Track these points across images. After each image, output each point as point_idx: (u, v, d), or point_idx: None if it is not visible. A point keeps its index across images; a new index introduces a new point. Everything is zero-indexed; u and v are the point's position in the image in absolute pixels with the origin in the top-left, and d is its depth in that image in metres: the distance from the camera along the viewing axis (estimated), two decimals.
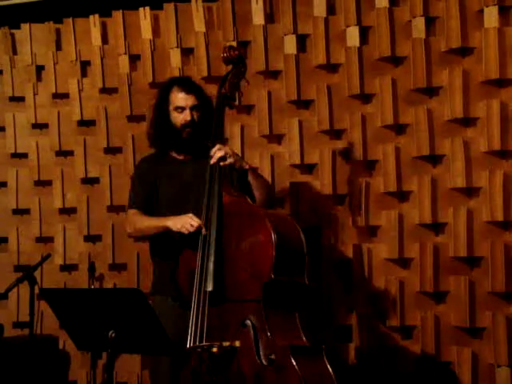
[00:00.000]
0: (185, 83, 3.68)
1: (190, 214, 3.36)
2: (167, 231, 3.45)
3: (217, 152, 3.39)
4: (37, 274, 4.47)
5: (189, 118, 3.59)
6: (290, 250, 3.23)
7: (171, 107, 3.64)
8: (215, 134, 3.47)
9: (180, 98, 3.62)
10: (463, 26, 4.18)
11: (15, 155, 5.00)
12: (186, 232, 3.32)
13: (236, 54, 3.53)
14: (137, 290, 3.16)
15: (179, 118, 3.61)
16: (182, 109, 3.61)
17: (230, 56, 3.53)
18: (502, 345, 4.04)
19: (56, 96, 4.96)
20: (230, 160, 3.40)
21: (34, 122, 4.98)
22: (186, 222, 3.34)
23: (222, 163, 3.39)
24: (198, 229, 3.31)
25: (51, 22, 4.98)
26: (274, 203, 3.77)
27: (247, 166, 3.52)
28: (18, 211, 4.99)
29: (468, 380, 4.15)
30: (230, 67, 3.56)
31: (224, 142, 3.55)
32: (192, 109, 3.61)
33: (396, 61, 4.41)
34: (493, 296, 4.11)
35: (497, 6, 4.09)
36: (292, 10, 4.55)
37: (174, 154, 3.69)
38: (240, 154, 3.79)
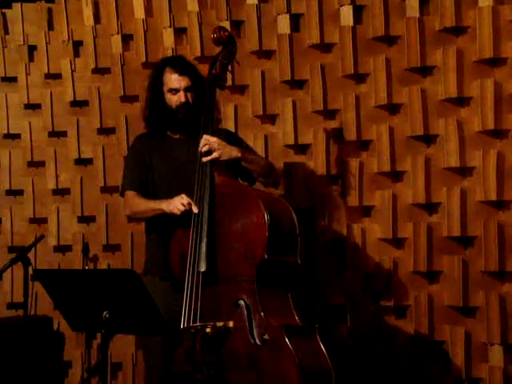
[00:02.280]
0: (178, 64, 3.67)
1: (182, 195, 3.36)
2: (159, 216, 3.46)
3: (202, 147, 3.40)
4: (30, 255, 4.47)
5: (183, 100, 3.59)
6: (282, 230, 3.24)
7: (165, 88, 3.63)
8: (205, 121, 3.47)
9: (174, 79, 3.61)
10: (457, 4, 4.16)
11: (8, 136, 4.97)
12: (178, 213, 3.33)
13: (226, 34, 3.53)
14: (130, 270, 3.17)
15: (174, 100, 3.61)
16: (176, 90, 3.61)
17: (220, 37, 3.54)
18: (495, 323, 4.06)
19: (48, 76, 4.93)
20: (214, 154, 3.40)
21: (26, 102, 4.94)
22: (177, 203, 3.34)
23: (204, 159, 3.39)
24: (189, 208, 3.31)
25: (43, 2, 4.93)
26: (277, 180, 3.79)
27: (239, 154, 3.49)
28: (11, 192, 4.97)
29: (461, 358, 4.17)
30: (220, 48, 3.55)
31: (215, 125, 3.55)
32: (186, 90, 3.61)
33: (390, 40, 4.39)
34: (486, 275, 4.12)
35: None
36: None
37: (169, 133, 3.69)
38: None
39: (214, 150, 3.41)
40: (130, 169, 3.71)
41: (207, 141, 3.42)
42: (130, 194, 3.64)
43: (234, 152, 3.49)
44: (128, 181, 3.68)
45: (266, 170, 3.64)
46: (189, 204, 3.32)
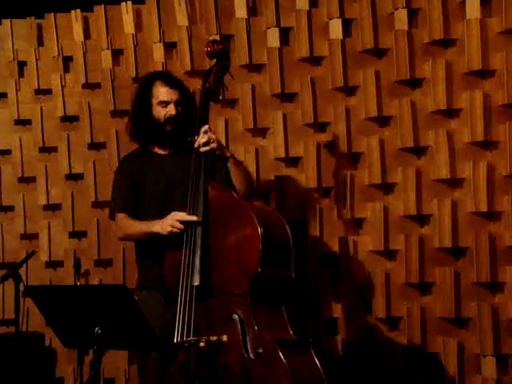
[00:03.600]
0: (168, 77, 3.68)
1: (173, 213, 3.36)
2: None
3: (201, 137, 3.40)
4: (22, 271, 4.45)
5: (174, 113, 3.59)
6: (276, 243, 3.24)
7: (154, 101, 3.63)
8: (199, 126, 3.47)
9: (164, 92, 3.61)
10: (445, 17, 4.19)
11: None
12: (178, 231, 3.32)
13: (220, 47, 3.52)
14: (122, 286, 3.17)
15: (163, 112, 3.61)
16: (167, 103, 3.61)
17: (214, 50, 3.52)
18: (488, 335, 4.07)
19: (39, 92, 4.93)
20: (212, 145, 3.41)
21: (16, 118, 4.93)
22: (173, 223, 3.33)
23: (202, 149, 3.39)
24: (188, 222, 3.29)
25: (33, 18, 4.93)
26: (252, 195, 3.73)
27: (228, 154, 3.52)
28: (1, 208, 4.95)
29: (454, 370, 4.18)
30: (213, 61, 3.55)
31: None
32: (176, 103, 3.61)
33: (379, 53, 4.41)
34: (478, 286, 4.13)
35: None
36: (274, 3, 4.54)
37: (157, 149, 3.68)
38: None
39: (212, 142, 3.42)
40: (118, 191, 3.68)
41: (206, 131, 3.42)
42: (120, 216, 3.61)
43: (226, 150, 3.54)
44: (117, 203, 3.66)
45: (247, 179, 3.62)
46: (184, 221, 3.30)
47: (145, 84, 3.70)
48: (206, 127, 3.44)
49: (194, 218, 3.30)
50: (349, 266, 4.41)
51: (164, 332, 3.21)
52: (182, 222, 3.32)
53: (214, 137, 3.44)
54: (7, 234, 4.93)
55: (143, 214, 3.59)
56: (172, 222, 3.34)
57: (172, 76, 3.73)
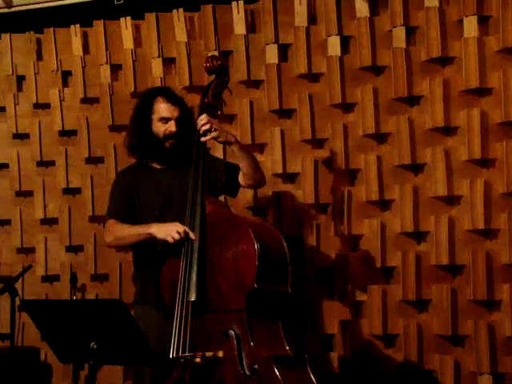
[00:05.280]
0: (169, 94, 3.68)
1: (176, 223, 3.34)
2: (149, 242, 3.43)
3: (203, 125, 3.40)
4: (18, 285, 4.45)
5: (174, 130, 3.58)
6: (273, 259, 3.23)
7: (155, 117, 3.62)
8: (197, 149, 3.45)
9: (165, 108, 3.61)
10: (443, 35, 4.21)
11: None
12: (172, 241, 3.30)
13: (219, 63, 3.53)
14: (118, 300, 3.15)
15: (163, 129, 3.60)
16: (167, 119, 3.60)
17: (213, 66, 3.52)
18: (484, 353, 4.06)
19: (37, 106, 4.94)
20: (213, 134, 3.41)
21: (14, 132, 4.94)
22: (171, 230, 3.31)
23: (203, 138, 3.40)
24: (184, 237, 3.29)
25: (32, 32, 4.95)
26: (261, 182, 3.67)
27: (233, 139, 3.48)
28: None
29: None
30: (212, 77, 3.56)
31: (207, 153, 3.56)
32: (176, 120, 3.61)
33: (377, 70, 4.43)
34: (475, 304, 4.13)
35: (476, 16, 4.13)
36: (273, 20, 4.56)
37: (154, 164, 3.68)
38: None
39: (214, 130, 3.41)
40: (112, 200, 3.66)
41: (207, 120, 3.41)
42: (112, 221, 3.59)
43: (230, 136, 3.49)
44: (110, 210, 3.64)
45: (256, 163, 3.60)
46: (184, 232, 3.29)
47: (146, 99, 3.70)
48: (203, 116, 3.43)
49: (193, 236, 3.29)
50: (346, 282, 4.40)
51: (160, 347, 3.20)
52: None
53: (214, 125, 3.41)
54: (4, 248, 4.92)
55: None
56: (172, 229, 3.31)
57: (173, 93, 3.73)
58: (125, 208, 3.59)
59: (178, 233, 3.29)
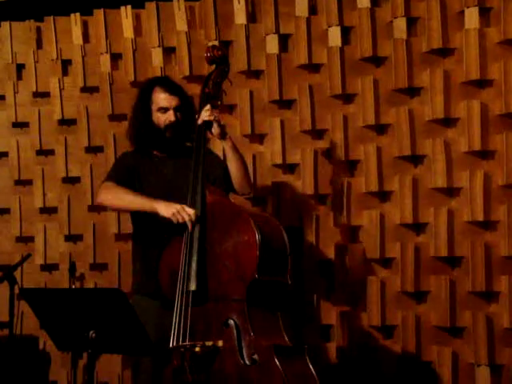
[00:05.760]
0: (168, 83, 3.68)
1: (184, 205, 3.30)
2: (149, 220, 3.43)
3: (207, 115, 3.40)
4: (17, 273, 4.46)
5: (173, 119, 3.59)
6: (273, 250, 3.24)
7: (154, 107, 3.63)
8: (198, 139, 3.45)
9: (164, 98, 3.61)
10: (444, 26, 4.21)
11: None
12: (176, 221, 3.27)
13: (220, 53, 3.53)
14: (117, 289, 3.15)
15: (162, 118, 3.61)
16: (166, 109, 3.61)
17: (214, 56, 3.52)
18: (482, 344, 4.07)
19: (37, 95, 4.93)
20: (214, 125, 3.41)
21: (14, 120, 4.93)
22: (180, 211, 3.27)
23: (205, 118, 3.40)
24: (192, 220, 3.26)
25: (32, 21, 4.94)
26: (249, 190, 3.66)
27: (228, 135, 3.50)
28: None
29: (448, 379, 4.17)
30: (213, 67, 3.56)
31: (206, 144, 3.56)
32: (175, 109, 3.61)
33: (377, 61, 4.42)
34: (473, 296, 4.14)
35: (477, 7, 4.12)
36: (274, 10, 4.55)
37: (156, 152, 3.68)
38: (222, 154, 3.79)
39: (215, 118, 3.41)
40: (116, 170, 3.62)
41: (211, 110, 3.42)
42: (112, 183, 3.52)
43: (225, 130, 3.50)
44: (112, 175, 3.58)
45: (245, 169, 3.59)
46: (193, 215, 3.25)
47: (144, 90, 3.70)
48: (208, 106, 3.43)
49: (192, 212, 3.26)
50: (345, 273, 4.41)
51: (159, 337, 3.21)
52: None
53: (216, 114, 3.42)
54: (3, 237, 4.93)
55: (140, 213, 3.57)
56: (178, 209, 3.27)
57: (172, 81, 3.73)
58: (126, 181, 3.54)
59: (189, 214, 3.25)
